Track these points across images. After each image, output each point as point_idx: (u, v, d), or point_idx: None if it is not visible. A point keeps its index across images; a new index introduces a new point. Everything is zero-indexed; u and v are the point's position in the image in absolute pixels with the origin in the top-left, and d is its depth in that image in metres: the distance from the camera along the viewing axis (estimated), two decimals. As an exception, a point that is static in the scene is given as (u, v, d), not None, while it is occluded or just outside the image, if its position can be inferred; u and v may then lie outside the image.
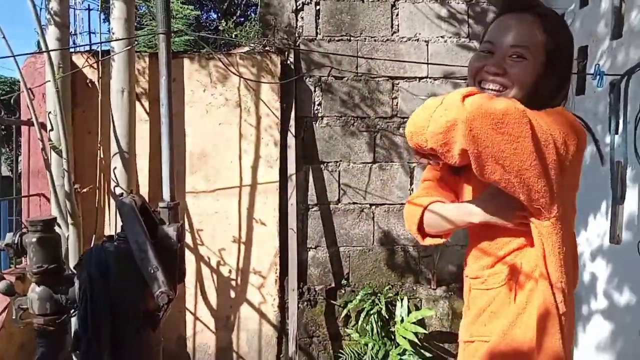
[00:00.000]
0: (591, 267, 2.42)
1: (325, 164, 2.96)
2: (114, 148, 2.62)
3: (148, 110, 2.81)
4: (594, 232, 2.41)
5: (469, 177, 1.16)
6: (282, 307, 2.92)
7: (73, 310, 1.35)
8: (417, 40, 2.95)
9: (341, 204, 2.98)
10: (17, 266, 2.49)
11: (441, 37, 2.95)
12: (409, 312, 2.89)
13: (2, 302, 2.17)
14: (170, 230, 1.32)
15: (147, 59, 2.81)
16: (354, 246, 3.00)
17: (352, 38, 2.93)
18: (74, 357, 1.36)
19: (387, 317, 2.89)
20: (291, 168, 2.86)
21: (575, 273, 1.06)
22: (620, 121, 2.03)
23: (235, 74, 2.81)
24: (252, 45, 2.91)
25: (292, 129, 2.86)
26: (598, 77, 1.98)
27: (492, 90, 1.05)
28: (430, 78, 2.96)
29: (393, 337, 2.88)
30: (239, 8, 7.19)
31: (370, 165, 2.98)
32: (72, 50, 2.82)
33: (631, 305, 2.15)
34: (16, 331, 2.20)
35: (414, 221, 1.19)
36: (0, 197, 3.17)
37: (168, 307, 1.30)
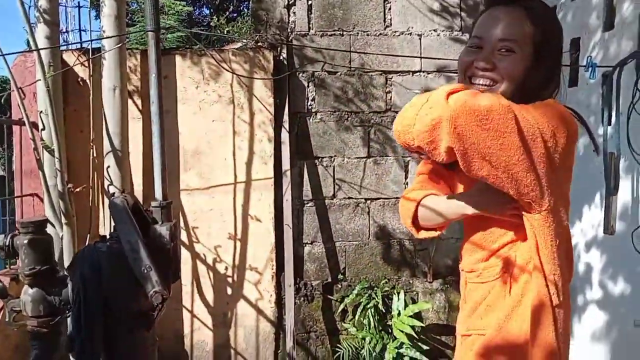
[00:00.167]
0: (585, 258, 2.43)
1: (319, 159, 2.95)
2: (106, 147, 2.61)
3: (140, 108, 2.80)
4: (588, 223, 2.41)
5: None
6: (279, 303, 2.93)
7: (67, 311, 1.34)
8: (410, 34, 2.94)
9: (336, 199, 2.98)
10: (11, 267, 2.48)
11: (434, 30, 2.95)
12: (406, 305, 2.90)
13: (-3, 304, 2.16)
14: (163, 230, 1.32)
15: (138, 57, 2.79)
16: (349, 241, 3.01)
17: (344, 33, 2.92)
18: (71, 357, 1.35)
19: (384, 311, 2.90)
20: (285, 164, 2.85)
21: (570, 265, 1.07)
22: (613, 112, 2.03)
23: (228, 71, 2.79)
24: (245, 41, 2.89)
25: (286, 125, 2.85)
26: (590, 68, 1.99)
27: (482, 85, 1.04)
28: (423, 72, 2.95)
29: (390, 331, 2.89)
30: (231, 4, 7.15)
31: (364, 159, 2.97)
32: (62, 48, 2.80)
33: (625, 295, 2.17)
34: (11, 333, 2.19)
35: (409, 215, 1.20)
36: (-7, 198, 3.15)
37: (162, 307, 1.30)
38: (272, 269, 2.90)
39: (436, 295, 3.03)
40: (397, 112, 2.92)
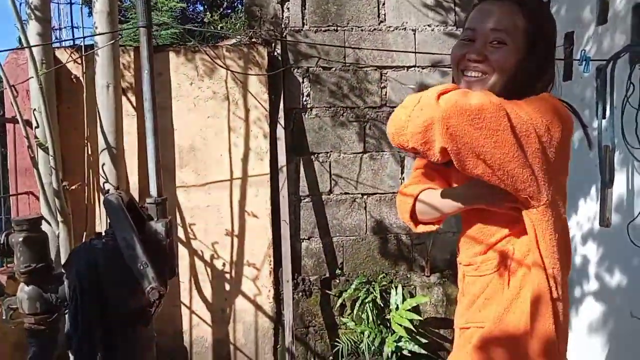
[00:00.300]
0: (582, 251, 2.44)
1: (315, 155, 2.95)
2: (101, 144, 2.60)
3: (135, 104, 2.79)
4: (584, 216, 2.43)
5: None
6: (277, 298, 2.93)
7: (64, 308, 1.34)
8: (404, 29, 2.94)
9: (333, 195, 2.98)
10: (8, 265, 2.47)
11: (428, 25, 2.94)
12: (404, 299, 2.91)
13: (-6, 302, 2.16)
14: (159, 226, 1.32)
15: (132, 53, 2.77)
16: (347, 236, 3.01)
17: (339, 28, 2.91)
18: (70, 354, 1.35)
19: (382, 305, 2.91)
20: (281, 160, 2.85)
21: (568, 258, 1.07)
22: (607, 106, 2.04)
23: (222, 67, 2.78)
24: (239, 37, 2.88)
25: (282, 121, 2.85)
26: (584, 62, 1.99)
27: (473, 77, 1.04)
28: (418, 67, 2.95)
29: (389, 325, 2.90)
30: (225, 0, 7.11)
31: (360, 155, 2.97)
32: (55, 45, 2.78)
33: (622, 287, 2.18)
34: (9, 330, 2.18)
35: (407, 209, 1.20)
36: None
37: (159, 303, 1.30)
38: (270, 265, 2.90)
39: (434, 288, 3.04)
40: (392, 108, 2.93)
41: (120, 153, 2.64)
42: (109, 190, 2.27)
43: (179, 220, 2.85)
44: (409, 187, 1.22)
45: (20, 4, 2.55)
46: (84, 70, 2.70)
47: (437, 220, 1.20)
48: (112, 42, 2.52)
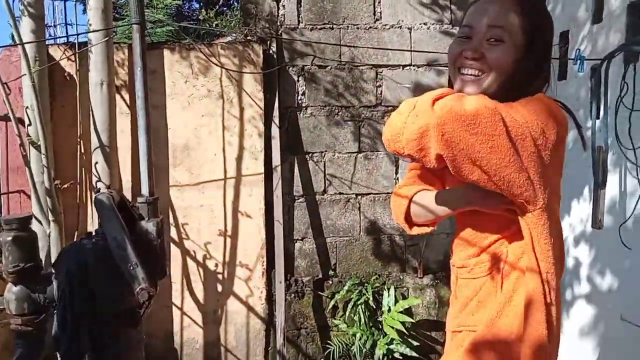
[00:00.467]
0: (574, 252, 2.44)
1: (310, 155, 2.94)
2: (94, 142, 2.57)
3: (129, 102, 2.76)
4: (576, 217, 2.43)
5: None
6: (270, 299, 2.92)
7: (52, 309, 1.32)
8: (400, 27, 2.93)
9: (327, 195, 2.97)
10: (-3, 265, 2.45)
11: (424, 24, 2.94)
12: (396, 301, 2.90)
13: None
14: (150, 226, 1.30)
15: (126, 51, 2.75)
16: (340, 236, 3.00)
17: (334, 26, 2.90)
18: (58, 356, 1.34)
19: (374, 307, 2.90)
20: (276, 159, 2.84)
21: (562, 262, 1.06)
22: (601, 106, 2.04)
23: (217, 65, 2.77)
24: (234, 35, 2.86)
25: (276, 120, 2.83)
26: (579, 62, 1.99)
27: (470, 75, 1.03)
28: (414, 66, 2.94)
29: (381, 327, 2.89)
30: (221, -3, 7.08)
31: (355, 154, 2.96)
32: (49, 42, 2.75)
33: (613, 289, 2.18)
34: (-1, 331, 2.16)
35: (401, 211, 1.19)
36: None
37: (149, 304, 1.29)
38: (263, 266, 2.89)
39: (426, 290, 3.04)
40: (387, 107, 2.92)
41: (114, 151, 2.62)
42: (100, 189, 2.25)
43: (171, 220, 2.83)
44: (404, 188, 1.21)
45: (14, 1, 2.53)
46: (78, 68, 2.68)
47: (431, 223, 1.19)
48: (106, 39, 2.50)
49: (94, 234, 1.38)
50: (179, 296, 2.86)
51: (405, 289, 3.04)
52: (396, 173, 2.99)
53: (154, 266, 1.35)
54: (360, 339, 2.84)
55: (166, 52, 2.79)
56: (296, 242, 2.97)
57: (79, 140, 2.66)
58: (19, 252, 1.30)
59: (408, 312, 2.92)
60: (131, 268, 1.24)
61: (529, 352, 1.00)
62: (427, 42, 2.93)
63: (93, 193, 2.68)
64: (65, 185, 2.60)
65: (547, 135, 0.93)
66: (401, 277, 3.04)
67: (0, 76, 2.40)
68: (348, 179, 2.97)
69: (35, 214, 2.49)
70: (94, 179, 2.58)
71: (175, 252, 2.83)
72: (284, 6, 2.88)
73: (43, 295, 1.31)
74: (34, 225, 2.47)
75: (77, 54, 2.66)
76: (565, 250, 2.46)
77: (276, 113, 2.83)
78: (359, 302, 2.87)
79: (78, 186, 2.66)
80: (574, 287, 2.45)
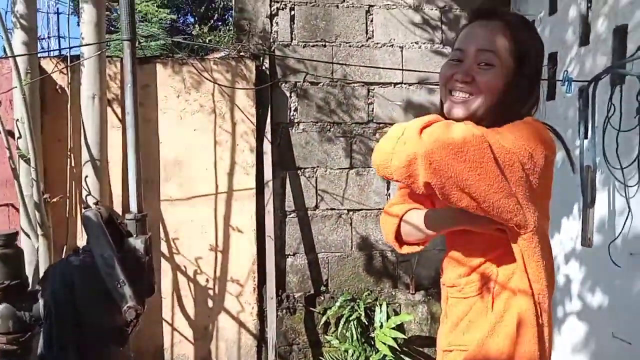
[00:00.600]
0: (564, 270, 2.46)
1: (302, 170, 2.94)
2: (85, 156, 2.56)
3: (120, 116, 2.76)
4: (566, 236, 2.44)
5: None
6: (261, 315, 2.89)
7: (39, 327, 1.30)
8: (392, 46, 2.96)
9: (319, 210, 2.97)
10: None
11: (415, 43, 2.97)
12: (388, 317, 2.89)
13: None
14: (138, 243, 1.29)
15: (118, 64, 2.75)
16: (332, 252, 2.99)
17: (327, 44, 2.93)
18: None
19: (366, 322, 2.89)
20: (268, 174, 2.84)
21: (553, 282, 1.07)
22: (589, 126, 2.07)
23: (209, 80, 2.78)
24: (227, 50, 2.88)
25: (268, 135, 2.84)
26: (567, 83, 2.02)
27: (460, 97, 1.05)
28: (405, 84, 2.97)
29: (373, 343, 2.87)
30: (216, 12, 7.13)
31: (347, 170, 2.97)
32: (41, 55, 2.75)
33: (604, 307, 2.19)
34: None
35: (392, 230, 1.19)
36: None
37: (136, 322, 1.27)
38: (254, 281, 2.87)
39: (418, 306, 3.03)
40: (379, 124, 2.94)
41: (104, 165, 2.61)
42: (87, 206, 2.23)
43: (162, 235, 2.81)
44: (394, 207, 1.21)
45: (6, 13, 2.53)
46: (69, 81, 2.67)
47: (422, 242, 1.19)
48: (98, 53, 2.51)
49: (81, 250, 1.36)
50: (169, 312, 2.83)
51: (397, 305, 3.03)
52: (387, 189, 3.00)
53: (142, 284, 1.33)
54: (352, 355, 2.82)
55: (159, 67, 2.79)
56: (288, 257, 2.96)
57: (69, 153, 2.64)
58: (4, 269, 1.28)
59: (400, 328, 2.91)
60: (118, 286, 1.22)
61: None
62: (418, 61, 2.96)
63: (83, 207, 2.65)
64: (55, 199, 2.57)
65: (535, 159, 0.94)
66: (393, 293, 3.03)
67: (-9, 89, 2.40)
68: (340, 195, 2.97)
69: (24, 228, 2.46)
70: (84, 193, 2.56)
71: (165, 267, 2.81)
72: (277, 23, 2.90)
73: (29, 314, 1.29)
74: (23, 239, 2.44)
75: (69, 67, 2.65)
76: (556, 268, 2.48)
77: (268, 128, 2.84)
78: (351, 318, 2.85)
79: (68, 200, 2.64)
80: (565, 304, 2.45)
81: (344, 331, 2.87)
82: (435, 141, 0.90)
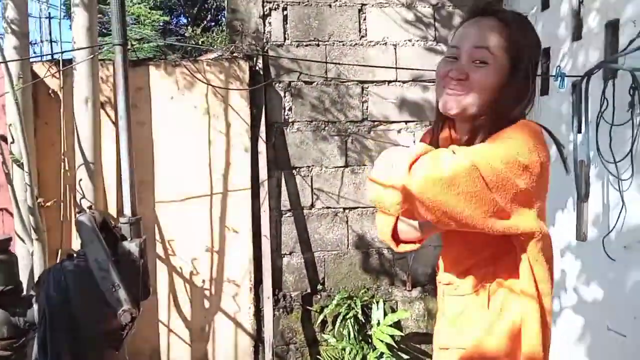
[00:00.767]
0: (559, 264, 2.47)
1: (297, 169, 2.94)
2: (78, 160, 2.55)
3: (114, 119, 2.75)
4: (560, 230, 2.45)
5: None
6: (258, 315, 2.89)
7: (33, 332, 1.30)
8: (385, 44, 2.97)
9: (315, 209, 2.97)
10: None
11: (409, 40, 2.98)
12: (385, 314, 2.90)
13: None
14: (132, 246, 1.29)
15: (111, 67, 2.74)
16: (328, 251, 2.99)
17: (320, 43, 2.93)
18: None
19: (363, 320, 2.89)
20: (263, 174, 2.83)
21: (552, 280, 1.07)
22: (583, 120, 2.08)
23: (202, 81, 2.77)
24: (220, 51, 2.88)
25: (263, 135, 2.84)
26: (559, 78, 2.03)
27: (453, 93, 1.05)
28: (399, 81, 2.98)
29: (370, 341, 2.88)
30: (209, 13, 7.12)
31: (342, 169, 2.97)
32: (34, 59, 2.74)
33: (598, 300, 2.20)
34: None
35: (388, 230, 1.18)
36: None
37: (132, 326, 1.27)
38: (251, 281, 2.87)
39: (415, 303, 3.04)
40: (373, 122, 2.94)
41: (98, 169, 2.60)
42: (81, 210, 2.22)
43: (157, 236, 2.80)
44: None
45: (-3, 18, 2.52)
46: (62, 85, 2.66)
47: (418, 240, 1.18)
48: (91, 57, 2.49)
49: (75, 255, 1.36)
50: (165, 313, 2.82)
51: (394, 302, 3.03)
52: (383, 187, 3.00)
53: (137, 287, 1.32)
54: (349, 353, 2.82)
55: (152, 69, 2.79)
56: (284, 256, 2.96)
57: (62, 157, 2.63)
58: (-2, 274, 1.27)
59: (397, 325, 2.91)
60: (113, 290, 1.22)
61: None
62: (411, 59, 2.96)
63: (77, 211, 2.64)
64: (49, 203, 2.56)
65: (530, 169, 0.93)
66: (390, 291, 3.03)
67: (-17, 94, 2.38)
68: (335, 193, 2.97)
69: (18, 232, 2.45)
70: (78, 196, 2.55)
71: (161, 269, 2.81)
72: (270, 23, 2.90)
73: (23, 319, 1.28)
74: (17, 244, 2.43)
75: (61, 71, 2.64)
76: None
77: (263, 128, 2.84)
78: (348, 316, 2.86)
79: (62, 204, 2.63)
80: (561, 298, 2.46)
81: (341, 329, 2.88)
82: (424, 179, 0.90)
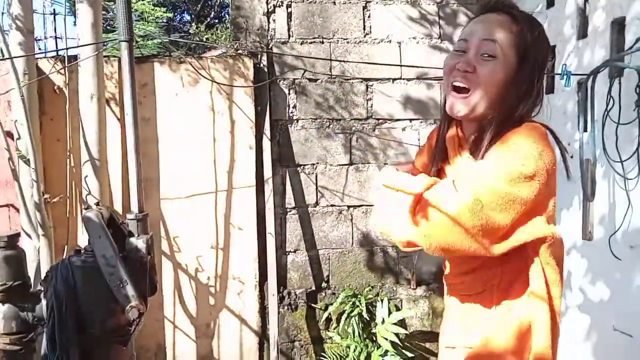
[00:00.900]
0: (565, 264, 2.45)
1: (301, 167, 2.94)
2: (84, 156, 2.56)
3: (119, 116, 2.76)
4: (566, 229, 2.44)
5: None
6: (263, 312, 2.90)
7: (41, 327, 1.30)
8: (390, 41, 2.96)
9: (319, 207, 2.97)
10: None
11: (413, 38, 2.97)
12: (390, 312, 2.90)
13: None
14: (140, 243, 1.29)
15: (115, 64, 2.75)
16: (333, 248, 3.00)
17: (324, 40, 2.92)
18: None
19: (368, 318, 2.90)
20: (267, 171, 2.84)
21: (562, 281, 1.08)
22: (589, 119, 2.07)
23: (207, 78, 2.77)
24: (225, 48, 2.88)
25: (267, 132, 2.84)
26: (565, 76, 2.02)
27: (460, 86, 1.05)
28: (403, 79, 2.97)
29: (374, 339, 2.88)
30: (212, 10, 7.11)
31: (346, 167, 2.97)
32: (39, 56, 2.74)
33: (605, 300, 2.20)
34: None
35: (403, 234, 1.18)
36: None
37: (139, 322, 1.27)
38: (255, 278, 2.87)
39: (420, 302, 3.04)
40: (378, 120, 2.94)
41: (104, 165, 2.60)
42: (89, 206, 2.23)
43: (163, 233, 2.81)
44: None
45: (2, 14, 2.53)
46: (67, 81, 2.67)
47: None
48: (96, 53, 2.50)
49: (83, 250, 1.36)
50: (171, 309, 2.83)
51: (398, 300, 3.04)
52: (387, 185, 2.99)
53: (144, 283, 1.33)
54: (354, 350, 2.83)
55: (156, 65, 2.79)
56: (289, 254, 2.96)
57: (68, 153, 2.64)
58: (7, 270, 1.28)
59: (402, 323, 2.92)
60: (121, 286, 1.22)
61: None
62: (416, 56, 2.96)
63: (83, 207, 2.65)
64: (55, 199, 2.57)
65: (536, 177, 0.94)
66: (394, 289, 3.04)
67: (-11, 90, 2.39)
68: (340, 191, 2.97)
69: (25, 228, 2.46)
70: (84, 192, 2.56)
71: (166, 265, 2.81)
72: (274, 20, 2.90)
73: (32, 314, 1.29)
74: (24, 240, 2.44)
75: (66, 68, 2.65)
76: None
77: (267, 126, 2.84)
78: (352, 314, 2.86)
79: (68, 200, 2.64)
80: (567, 297, 2.46)
81: (346, 327, 2.88)
82: (432, 228, 0.93)
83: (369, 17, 2.94)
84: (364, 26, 2.95)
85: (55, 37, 3.12)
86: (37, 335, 1.30)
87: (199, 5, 7.31)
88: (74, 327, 1.23)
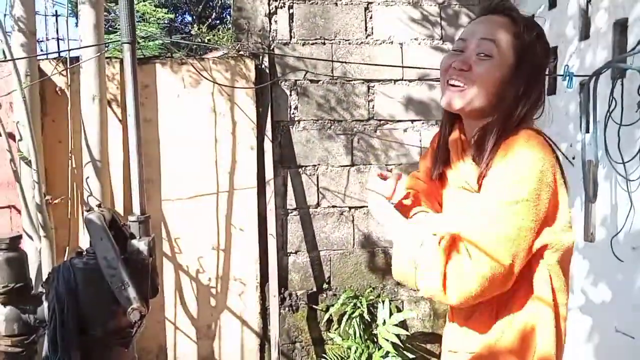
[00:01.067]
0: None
1: (303, 168, 2.94)
2: (86, 157, 2.56)
3: (120, 117, 2.76)
4: (568, 230, 2.44)
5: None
6: (264, 313, 2.90)
7: (43, 329, 1.30)
8: (392, 42, 2.96)
9: (320, 208, 2.97)
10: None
11: (415, 39, 2.97)
12: (391, 314, 2.89)
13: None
14: (142, 245, 1.29)
15: (117, 65, 2.75)
16: (334, 250, 2.99)
17: (326, 41, 2.92)
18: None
19: (369, 319, 2.89)
20: (269, 173, 2.84)
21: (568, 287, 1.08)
22: (591, 120, 2.06)
23: (208, 79, 2.77)
24: (226, 49, 2.88)
25: (269, 133, 2.84)
26: (567, 77, 2.01)
27: (456, 85, 1.04)
28: (405, 80, 2.97)
29: (376, 340, 2.88)
30: (214, 11, 7.12)
31: (348, 168, 2.97)
32: (41, 57, 2.75)
33: (606, 302, 2.19)
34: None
35: (437, 285, 1.18)
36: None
37: (141, 324, 1.27)
38: (257, 279, 2.87)
39: (421, 303, 3.03)
40: (380, 121, 2.94)
41: (105, 166, 2.60)
42: (90, 208, 2.23)
43: (164, 234, 2.81)
44: None
45: (5, 16, 2.53)
46: (69, 82, 2.67)
47: None
48: (97, 54, 2.50)
49: (84, 252, 1.36)
50: (172, 311, 2.83)
51: (400, 301, 3.03)
52: (389, 186, 2.99)
53: (146, 285, 1.33)
54: (355, 352, 2.83)
55: (158, 67, 2.79)
56: (290, 255, 2.96)
57: (70, 155, 2.64)
58: (8, 272, 1.28)
59: (403, 324, 2.91)
60: (122, 288, 1.22)
61: None
62: (418, 57, 2.96)
63: (84, 208, 2.65)
64: (57, 201, 2.57)
65: (541, 196, 0.94)
66: (396, 290, 3.03)
67: (-9, 91, 2.40)
68: (341, 192, 2.97)
69: (26, 230, 2.46)
70: (86, 194, 2.56)
71: (168, 267, 2.81)
72: (276, 21, 2.90)
73: (33, 316, 1.29)
74: (25, 241, 2.44)
75: (68, 69, 2.65)
76: (558, 263, 2.48)
77: (269, 127, 2.84)
78: (353, 315, 2.86)
79: (69, 201, 2.64)
80: (568, 299, 2.45)
81: (347, 328, 2.88)
82: (463, 296, 0.95)
83: (370, 18, 2.94)
84: (366, 27, 2.95)
85: (57, 39, 3.13)
86: (39, 337, 1.30)
87: (201, 7, 7.32)
88: (76, 329, 1.23)
